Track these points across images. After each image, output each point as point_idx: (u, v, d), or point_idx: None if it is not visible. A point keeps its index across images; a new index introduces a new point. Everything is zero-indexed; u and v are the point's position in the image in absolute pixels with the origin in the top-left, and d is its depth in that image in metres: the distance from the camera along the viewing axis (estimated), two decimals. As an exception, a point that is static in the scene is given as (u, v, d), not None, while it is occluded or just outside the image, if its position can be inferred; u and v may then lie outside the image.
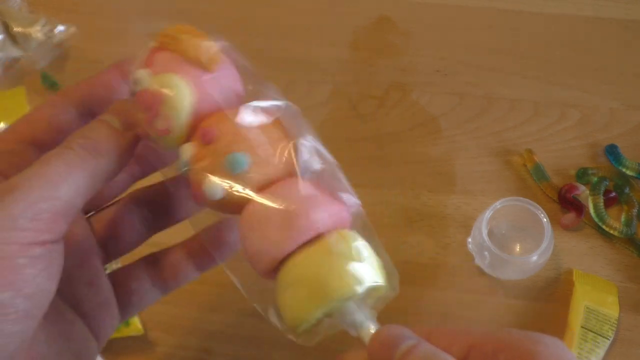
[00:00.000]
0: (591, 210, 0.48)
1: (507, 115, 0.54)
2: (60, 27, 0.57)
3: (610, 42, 0.58)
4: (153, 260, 0.32)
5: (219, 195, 0.25)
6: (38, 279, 0.23)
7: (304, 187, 0.25)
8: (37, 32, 0.57)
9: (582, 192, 0.49)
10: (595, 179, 0.49)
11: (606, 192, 0.49)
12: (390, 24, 0.60)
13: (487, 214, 0.45)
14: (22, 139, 0.27)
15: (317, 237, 0.25)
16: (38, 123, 0.27)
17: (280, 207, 0.25)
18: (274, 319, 0.27)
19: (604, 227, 0.47)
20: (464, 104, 0.55)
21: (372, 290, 0.26)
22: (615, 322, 0.43)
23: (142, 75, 0.26)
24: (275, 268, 0.25)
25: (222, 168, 0.25)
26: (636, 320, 0.44)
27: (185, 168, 0.26)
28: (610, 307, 0.44)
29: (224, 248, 0.31)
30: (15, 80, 0.56)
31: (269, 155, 0.26)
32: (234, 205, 0.25)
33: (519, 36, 0.59)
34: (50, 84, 0.55)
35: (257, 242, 0.25)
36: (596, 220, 0.48)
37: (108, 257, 0.31)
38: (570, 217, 0.48)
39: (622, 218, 0.48)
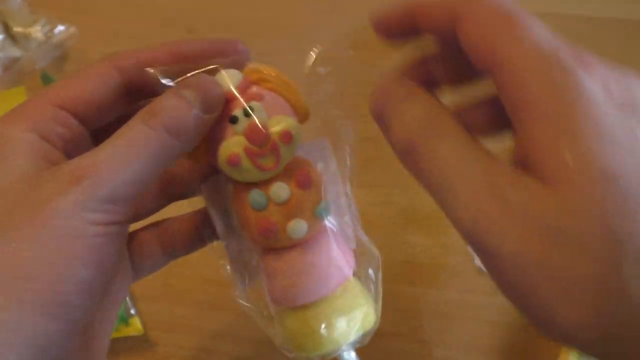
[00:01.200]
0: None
1: (507, 115, 0.54)
2: (60, 27, 0.57)
3: (610, 42, 0.58)
4: (159, 225, 0.32)
5: (302, 234, 0.28)
6: (113, 257, 0.24)
7: (337, 251, 0.29)
8: (37, 32, 0.57)
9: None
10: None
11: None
12: (390, 24, 0.60)
13: (487, 214, 0.44)
14: (59, 105, 0.26)
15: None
16: (74, 92, 0.26)
17: (321, 262, 0.29)
18: (277, 337, 0.31)
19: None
20: (464, 104, 0.55)
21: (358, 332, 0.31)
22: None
23: (258, 107, 0.26)
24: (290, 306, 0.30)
25: (311, 213, 0.28)
26: (636, 320, 0.44)
27: (265, 203, 0.27)
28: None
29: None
30: (15, 80, 0.56)
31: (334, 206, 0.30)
32: (284, 245, 0.29)
33: (519, 36, 0.59)
34: (50, 84, 0.55)
35: (289, 283, 0.29)
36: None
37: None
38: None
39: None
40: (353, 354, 0.30)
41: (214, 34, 0.59)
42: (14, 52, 0.56)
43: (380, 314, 0.31)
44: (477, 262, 0.46)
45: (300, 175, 0.28)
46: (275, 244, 0.28)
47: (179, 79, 0.26)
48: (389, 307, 0.47)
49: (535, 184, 0.19)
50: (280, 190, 0.27)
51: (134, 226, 0.31)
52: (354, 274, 0.31)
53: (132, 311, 0.45)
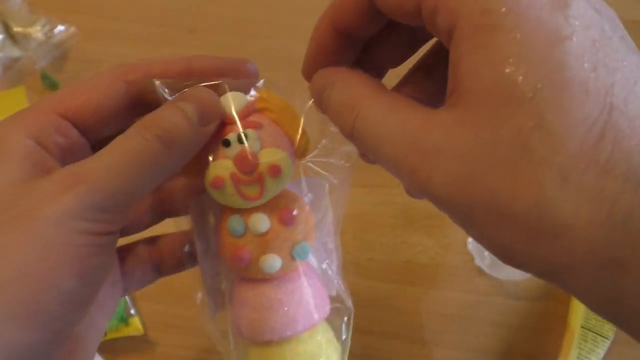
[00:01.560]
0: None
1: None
2: (60, 27, 0.57)
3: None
4: (152, 242, 0.32)
5: (274, 270, 0.27)
6: (100, 269, 0.23)
7: (310, 294, 0.29)
8: (37, 32, 0.57)
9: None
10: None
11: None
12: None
13: (487, 214, 0.44)
14: (60, 113, 0.25)
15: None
16: (77, 100, 0.26)
17: (291, 302, 0.28)
18: None
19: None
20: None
21: None
22: (615, 322, 0.43)
23: (253, 135, 0.26)
24: (254, 341, 0.29)
25: (288, 251, 0.27)
26: (636, 320, 0.44)
27: (242, 230, 0.27)
28: (610, 307, 0.43)
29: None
30: (15, 80, 0.56)
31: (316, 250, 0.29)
32: (256, 277, 0.28)
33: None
34: (50, 84, 0.55)
35: (255, 317, 0.28)
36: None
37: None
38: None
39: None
40: None
41: (214, 34, 0.59)
42: (14, 52, 0.56)
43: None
44: (477, 262, 0.46)
45: (284, 211, 0.27)
46: (246, 274, 0.28)
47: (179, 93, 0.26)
48: (389, 307, 0.47)
49: (446, 116, 0.20)
50: (259, 221, 0.27)
51: (129, 239, 0.31)
52: (328, 322, 0.30)
53: (132, 311, 0.45)
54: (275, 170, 0.26)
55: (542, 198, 0.18)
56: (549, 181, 0.18)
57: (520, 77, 0.18)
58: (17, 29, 0.57)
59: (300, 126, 0.27)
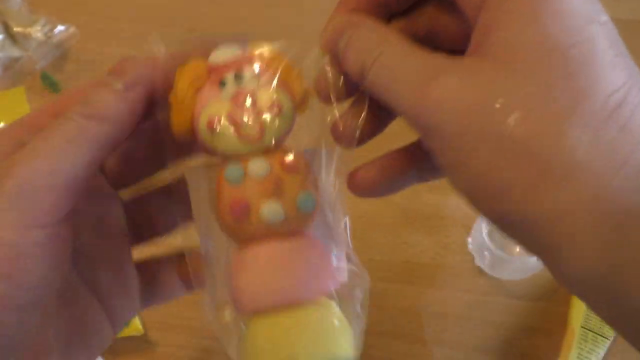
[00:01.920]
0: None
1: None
2: (60, 27, 0.57)
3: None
4: (183, 256, 0.30)
5: (277, 218, 0.25)
6: (39, 269, 0.21)
7: (319, 257, 0.26)
8: (37, 32, 0.57)
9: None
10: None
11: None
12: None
13: (487, 214, 0.44)
14: (56, 114, 0.25)
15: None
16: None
17: (298, 262, 0.25)
18: (233, 353, 0.26)
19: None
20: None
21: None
22: (615, 322, 0.43)
23: (251, 75, 0.25)
24: (257, 310, 0.25)
25: (292, 200, 0.25)
26: (636, 320, 0.44)
27: (240, 177, 0.25)
28: (610, 307, 0.44)
29: None
30: (15, 80, 0.56)
31: (323, 209, 0.27)
32: (258, 235, 0.25)
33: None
34: (50, 84, 0.55)
35: (255, 279, 0.25)
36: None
37: (137, 241, 0.29)
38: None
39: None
40: None
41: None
42: (14, 52, 0.56)
43: (360, 350, 0.26)
44: (477, 262, 0.46)
45: (284, 157, 0.25)
46: (247, 230, 0.25)
47: None
48: (389, 307, 0.47)
49: (471, 61, 0.21)
50: (259, 164, 0.25)
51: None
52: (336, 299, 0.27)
53: (132, 311, 0.45)
54: (275, 108, 0.24)
55: (560, 138, 0.19)
56: (569, 125, 0.19)
57: (556, 35, 0.19)
58: (17, 29, 0.57)
59: (298, 75, 0.26)
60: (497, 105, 0.19)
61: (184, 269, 0.29)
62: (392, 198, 0.50)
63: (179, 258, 0.30)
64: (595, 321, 0.43)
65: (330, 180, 0.28)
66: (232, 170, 0.25)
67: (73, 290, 0.26)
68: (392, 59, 0.22)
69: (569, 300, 0.45)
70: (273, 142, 0.25)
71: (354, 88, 0.25)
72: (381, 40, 0.23)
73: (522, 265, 0.44)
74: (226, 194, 0.25)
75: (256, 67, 0.25)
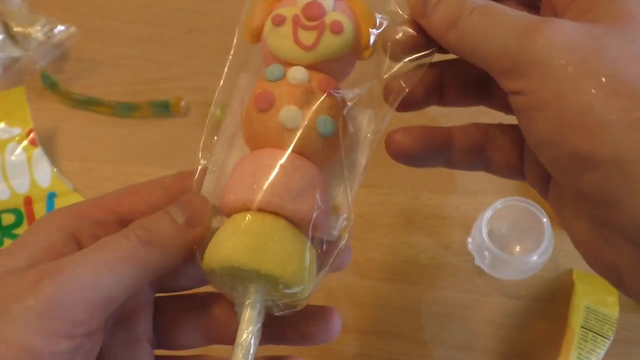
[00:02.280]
0: (591, 210, 0.48)
1: (508, 115, 0.54)
2: (60, 27, 0.57)
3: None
4: (205, 306, 0.29)
5: (291, 125, 0.25)
6: None
7: (317, 184, 0.26)
8: (37, 32, 0.57)
9: (582, 192, 0.49)
10: (596, 178, 0.49)
11: (606, 192, 0.49)
12: (390, 24, 0.60)
13: (487, 214, 0.45)
14: (110, 209, 0.26)
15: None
16: (132, 202, 0.26)
17: (295, 179, 0.25)
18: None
19: (604, 227, 0.47)
20: (464, 104, 0.55)
21: (283, 286, 0.25)
22: (615, 322, 0.43)
23: None
24: (239, 209, 0.25)
25: (313, 117, 0.25)
26: (636, 320, 0.44)
27: (279, 77, 0.26)
28: (610, 307, 0.44)
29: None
30: (15, 80, 0.56)
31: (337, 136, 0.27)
32: (270, 136, 0.26)
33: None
34: (50, 84, 0.55)
35: (251, 181, 0.25)
36: (596, 220, 0.48)
37: (158, 345, 0.29)
38: (570, 217, 0.48)
39: (622, 218, 0.48)
40: (255, 314, 0.25)
41: (214, 34, 0.59)
42: (14, 52, 0.56)
43: (308, 296, 0.26)
44: (477, 262, 0.46)
45: (325, 80, 0.26)
46: (262, 124, 0.25)
47: None
48: (389, 307, 0.47)
49: (577, 22, 0.22)
50: (300, 70, 0.26)
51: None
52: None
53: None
54: (338, 27, 0.26)
55: None
56: None
57: None
58: (17, 29, 0.57)
59: (371, 20, 0.27)
60: (610, 51, 0.20)
61: (205, 320, 0.29)
62: (392, 198, 0.50)
63: (200, 308, 0.29)
64: (595, 321, 0.43)
65: (365, 134, 0.28)
66: (273, 68, 0.26)
67: None
68: (493, 7, 0.23)
69: (569, 300, 0.45)
70: (322, 58, 0.26)
71: (422, 47, 0.26)
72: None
73: (522, 265, 0.44)
74: (259, 87, 0.26)
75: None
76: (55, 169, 0.50)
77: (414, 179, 0.51)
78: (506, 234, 0.47)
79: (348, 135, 0.27)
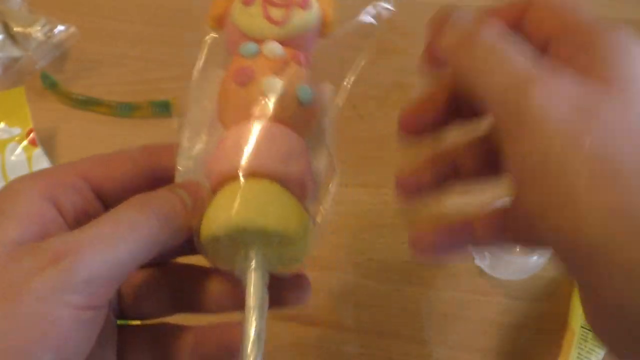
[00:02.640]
0: (591, 210, 0.48)
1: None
2: (60, 27, 0.57)
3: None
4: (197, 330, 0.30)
5: (274, 94, 0.26)
6: (82, 345, 0.23)
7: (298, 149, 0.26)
8: (37, 32, 0.57)
9: (582, 192, 0.49)
10: (595, 179, 0.49)
11: (606, 192, 0.49)
12: (390, 24, 0.60)
13: (487, 214, 0.44)
14: (82, 175, 0.26)
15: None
16: (103, 172, 0.27)
17: (287, 144, 0.26)
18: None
19: (604, 227, 0.47)
20: (464, 104, 0.55)
21: (284, 242, 0.25)
22: (615, 322, 0.43)
23: None
24: (229, 177, 0.26)
25: (292, 86, 0.26)
26: (636, 320, 0.44)
27: (255, 54, 0.27)
28: (610, 307, 0.44)
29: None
30: (16, 80, 0.56)
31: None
32: (246, 112, 0.26)
33: (519, 36, 0.59)
34: (50, 84, 0.55)
35: (234, 151, 0.25)
36: (596, 220, 0.48)
37: (122, 317, 0.29)
38: (570, 217, 0.48)
39: (622, 218, 0.48)
40: (260, 276, 0.25)
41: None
42: (14, 52, 0.56)
43: (307, 253, 0.26)
44: (477, 262, 0.46)
45: (298, 53, 0.27)
46: (245, 99, 0.26)
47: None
48: (389, 307, 0.47)
49: (580, 76, 0.21)
50: (275, 44, 0.27)
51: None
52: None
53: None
54: (305, 1, 0.27)
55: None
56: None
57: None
58: (17, 29, 0.57)
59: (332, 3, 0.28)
60: (603, 122, 0.20)
61: (199, 342, 0.29)
62: (392, 198, 0.50)
63: (192, 331, 0.30)
64: (595, 321, 0.43)
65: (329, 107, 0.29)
66: (248, 46, 0.27)
67: None
68: (497, 47, 0.23)
69: (569, 300, 0.45)
70: (292, 33, 0.27)
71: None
72: (483, 22, 0.24)
73: (522, 265, 0.44)
74: (236, 64, 0.27)
75: None
76: (55, 169, 0.50)
77: (414, 179, 0.51)
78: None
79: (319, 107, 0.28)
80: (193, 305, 0.29)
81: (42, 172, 0.27)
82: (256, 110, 0.26)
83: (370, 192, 0.50)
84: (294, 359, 0.43)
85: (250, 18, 0.27)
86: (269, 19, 0.27)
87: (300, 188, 0.26)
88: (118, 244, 0.23)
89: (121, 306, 0.29)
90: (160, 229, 0.24)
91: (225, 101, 0.27)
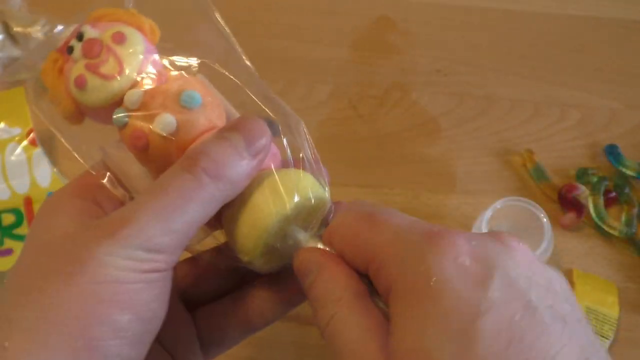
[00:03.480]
0: (591, 210, 0.48)
1: (507, 115, 0.54)
2: (60, 27, 0.57)
3: (610, 42, 0.58)
4: (239, 298, 0.30)
5: (172, 127, 0.25)
6: (153, 304, 0.23)
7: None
8: (37, 32, 0.57)
9: (582, 192, 0.49)
10: (595, 178, 0.49)
11: (606, 192, 0.49)
12: (390, 24, 0.60)
13: (487, 214, 0.44)
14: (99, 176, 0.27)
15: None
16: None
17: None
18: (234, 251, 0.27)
19: (604, 227, 0.47)
20: (464, 104, 0.55)
21: (305, 209, 0.26)
22: (615, 322, 0.43)
23: (88, 29, 0.27)
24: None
25: (176, 103, 0.25)
26: (636, 320, 0.44)
27: (126, 116, 0.26)
28: (610, 307, 0.44)
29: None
30: (15, 80, 0.56)
31: (214, 104, 0.27)
32: (175, 148, 0.25)
33: (519, 36, 0.59)
34: (50, 84, 0.55)
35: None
36: (596, 220, 0.48)
37: (185, 303, 0.30)
38: (570, 217, 0.48)
39: (622, 218, 0.48)
40: (308, 233, 0.26)
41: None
42: (14, 52, 0.56)
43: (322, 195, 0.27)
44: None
45: (150, 75, 0.26)
46: (155, 152, 0.26)
47: None
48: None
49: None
50: (131, 95, 0.26)
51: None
52: None
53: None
54: (119, 36, 0.26)
55: None
56: None
57: (438, 350, 0.19)
58: (17, 29, 0.57)
59: (139, 15, 0.28)
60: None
61: (242, 310, 0.29)
62: (392, 198, 0.50)
63: (235, 300, 0.30)
64: (595, 321, 0.43)
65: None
66: (117, 115, 0.26)
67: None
68: (344, 328, 0.22)
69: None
70: (135, 73, 0.26)
71: None
72: (338, 300, 0.23)
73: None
74: (125, 138, 0.26)
75: (91, 28, 0.27)
76: (55, 169, 0.50)
77: (414, 179, 0.51)
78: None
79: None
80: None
81: (71, 182, 0.27)
82: (172, 152, 0.26)
83: (370, 192, 0.50)
84: (294, 359, 0.43)
85: (94, 93, 0.26)
86: (108, 77, 0.26)
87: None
88: (171, 213, 0.22)
89: (181, 293, 0.30)
90: (215, 186, 0.23)
91: (156, 161, 0.26)
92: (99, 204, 0.25)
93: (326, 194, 0.27)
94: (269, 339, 0.44)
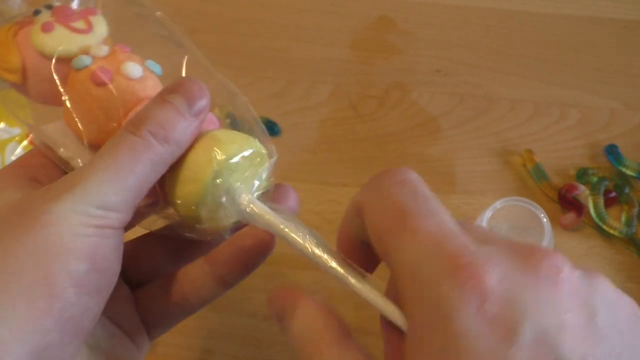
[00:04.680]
0: (591, 210, 0.48)
1: (507, 115, 0.54)
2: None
3: (610, 42, 0.58)
4: (174, 276, 0.30)
5: (139, 74, 0.27)
6: (109, 255, 0.23)
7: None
8: (37, 32, 0.57)
9: (582, 192, 0.49)
10: (595, 179, 0.49)
11: (606, 192, 0.49)
12: (390, 24, 0.60)
13: (487, 214, 0.45)
14: (44, 156, 0.27)
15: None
16: None
17: None
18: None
19: (604, 227, 0.47)
20: (464, 104, 0.55)
21: (244, 163, 0.26)
22: (615, 322, 0.43)
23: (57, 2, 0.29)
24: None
25: (141, 63, 0.28)
26: (636, 320, 0.44)
27: (89, 58, 0.27)
28: (610, 307, 0.43)
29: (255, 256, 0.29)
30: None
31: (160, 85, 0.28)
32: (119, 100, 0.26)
33: (519, 36, 0.59)
34: (50, 84, 0.55)
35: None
36: (596, 220, 0.48)
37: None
38: (570, 217, 0.48)
39: (622, 218, 0.48)
40: (263, 204, 0.26)
41: (214, 34, 0.59)
42: (14, 52, 0.56)
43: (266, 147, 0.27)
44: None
45: (118, 45, 0.28)
46: (110, 94, 0.26)
47: None
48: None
49: None
50: (99, 48, 0.27)
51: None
52: None
53: (132, 311, 0.45)
54: (89, 11, 0.28)
55: None
56: None
57: None
58: (17, 29, 0.57)
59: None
60: None
61: (178, 290, 0.30)
62: (392, 198, 0.50)
63: (169, 280, 0.30)
64: (595, 321, 0.43)
65: None
66: (78, 59, 0.27)
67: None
68: None
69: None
70: (102, 37, 0.28)
71: None
72: (318, 342, 0.24)
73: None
74: (80, 78, 0.27)
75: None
76: (55, 169, 0.50)
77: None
78: (506, 234, 0.47)
79: None
80: (191, 255, 0.30)
81: (9, 164, 0.27)
82: (129, 97, 0.27)
83: (370, 192, 0.50)
84: (294, 358, 0.43)
85: (59, 37, 0.27)
86: (77, 31, 0.27)
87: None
88: (123, 172, 0.23)
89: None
90: (162, 148, 0.24)
91: (90, 107, 0.27)
92: (40, 182, 0.26)
93: (263, 150, 0.27)
94: (269, 339, 0.44)
